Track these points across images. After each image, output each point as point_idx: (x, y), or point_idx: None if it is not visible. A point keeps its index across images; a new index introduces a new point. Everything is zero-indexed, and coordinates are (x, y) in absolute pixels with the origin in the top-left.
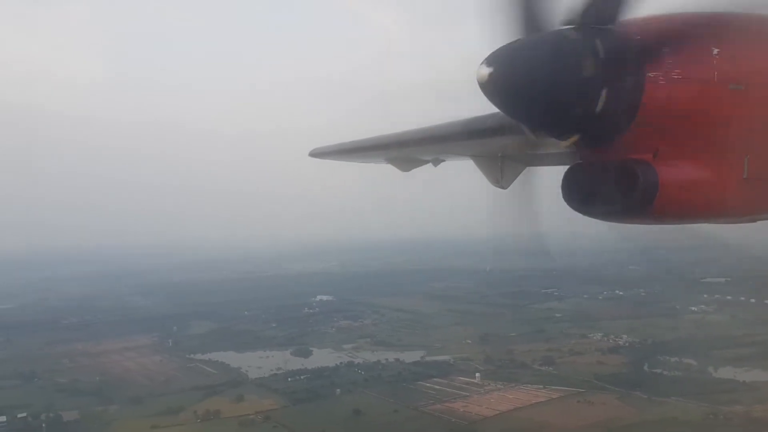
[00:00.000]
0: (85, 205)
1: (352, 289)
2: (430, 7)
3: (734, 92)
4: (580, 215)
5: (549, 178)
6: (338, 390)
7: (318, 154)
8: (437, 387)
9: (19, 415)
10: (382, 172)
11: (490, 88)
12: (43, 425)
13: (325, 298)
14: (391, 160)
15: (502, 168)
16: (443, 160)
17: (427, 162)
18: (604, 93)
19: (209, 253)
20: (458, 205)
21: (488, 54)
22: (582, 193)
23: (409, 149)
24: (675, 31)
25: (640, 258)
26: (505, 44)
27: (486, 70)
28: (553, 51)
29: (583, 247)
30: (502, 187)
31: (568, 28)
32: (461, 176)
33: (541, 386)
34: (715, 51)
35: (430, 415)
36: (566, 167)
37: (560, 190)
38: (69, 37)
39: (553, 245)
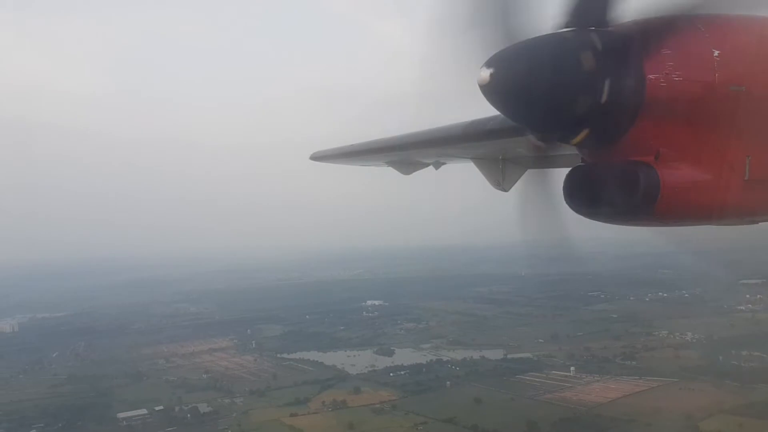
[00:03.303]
0: (90, 218)
1: (397, 295)
2: (433, 16)
3: (735, 93)
4: (582, 218)
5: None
6: (448, 382)
7: (319, 157)
8: (537, 380)
9: (157, 408)
10: (386, 181)
11: (491, 90)
12: (188, 416)
13: (376, 302)
14: (392, 163)
15: (503, 170)
16: (444, 163)
17: (428, 165)
18: (605, 90)
19: (230, 262)
20: (463, 212)
21: (488, 57)
22: (583, 196)
23: (409, 152)
24: (675, 32)
25: (672, 261)
26: (505, 47)
27: (486, 73)
28: (553, 51)
29: (595, 252)
30: (504, 190)
31: (566, 30)
32: (462, 181)
33: (637, 377)
34: (716, 52)
35: (548, 403)
36: (568, 169)
37: (562, 193)
38: (72, 51)
39: (569, 250)
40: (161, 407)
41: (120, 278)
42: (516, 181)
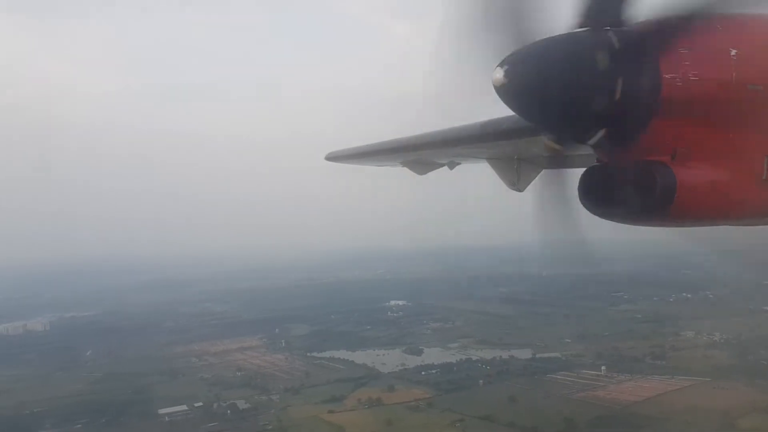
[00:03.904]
0: (102, 217)
1: (419, 295)
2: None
3: (753, 92)
4: (597, 218)
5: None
6: (480, 381)
7: (334, 157)
8: (569, 379)
9: (196, 404)
10: (396, 180)
11: (506, 91)
12: (228, 412)
13: (399, 302)
14: (407, 164)
15: (518, 170)
16: (459, 163)
17: (442, 165)
18: (619, 88)
19: (247, 263)
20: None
21: (503, 57)
22: (599, 196)
23: (424, 152)
24: (690, 30)
25: (693, 262)
26: (519, 47)
27: (501, 74)
28: (567, 50)
29: (613, 253)
30: (519, 190)
31: (581, 30)
32: (476, 182)
33: (669, 376)
34: (733, 52)
35: (582, 401)
36: (583, 169)
37: (577, 193)
38: (91, 50)
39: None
40: (200, 404)
41: (139, 278)
42: (531, 181)
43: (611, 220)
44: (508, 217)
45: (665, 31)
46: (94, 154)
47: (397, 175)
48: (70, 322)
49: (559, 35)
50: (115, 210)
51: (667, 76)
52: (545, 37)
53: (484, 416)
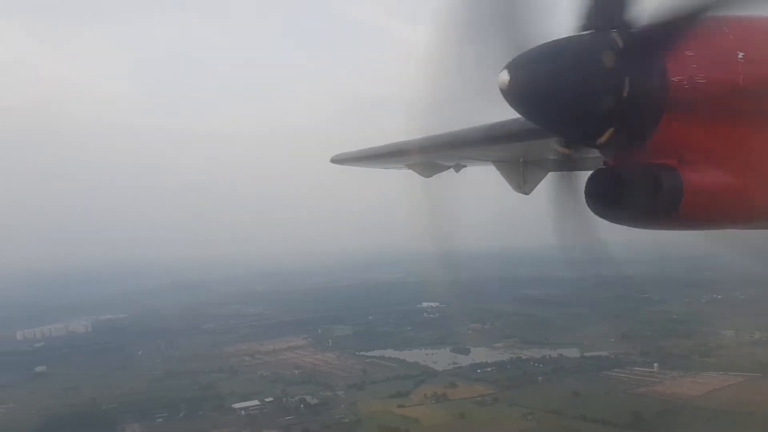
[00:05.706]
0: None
1: (449, 296)
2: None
3: (760, 96)
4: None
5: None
6: (540, 377)
7: (339, 160)
8: (624, 376)
9: (267, 399)
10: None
11: (512, 93)
12: (301, 406)
13: (432, 304)
14: (412, 166)
15: (524, 173)
16: (464, 166)
17: (448, 167)
18: (626, 86)
19: (258, 266)
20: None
21: (509, 60)
22: (605, 199)
23: (430, 155)
24: (698, 33)
25: (713, 263)
26: (525, 50)
27: (506, 76)
28: (573, 52)
29: (629, 255)
30: (525, 193)
31: (586, 32)
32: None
33: (721, 372)
34: (740, 54)
35: (644, 396)
36: (589, 172)
37: (583, 196)
38: (106, 54)
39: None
40: (270, 399)
41: (155, 282)
42: (537, 184)
43: (618, 224)
44: (513, 220)
45: (671, 33)
46: (96, 156)
47: (403, 178)
48: (108, 324)
49: (564, 38)
50: (115, 211)
51: (674, 78)
52: (549, 40)
53: (552, 410)
